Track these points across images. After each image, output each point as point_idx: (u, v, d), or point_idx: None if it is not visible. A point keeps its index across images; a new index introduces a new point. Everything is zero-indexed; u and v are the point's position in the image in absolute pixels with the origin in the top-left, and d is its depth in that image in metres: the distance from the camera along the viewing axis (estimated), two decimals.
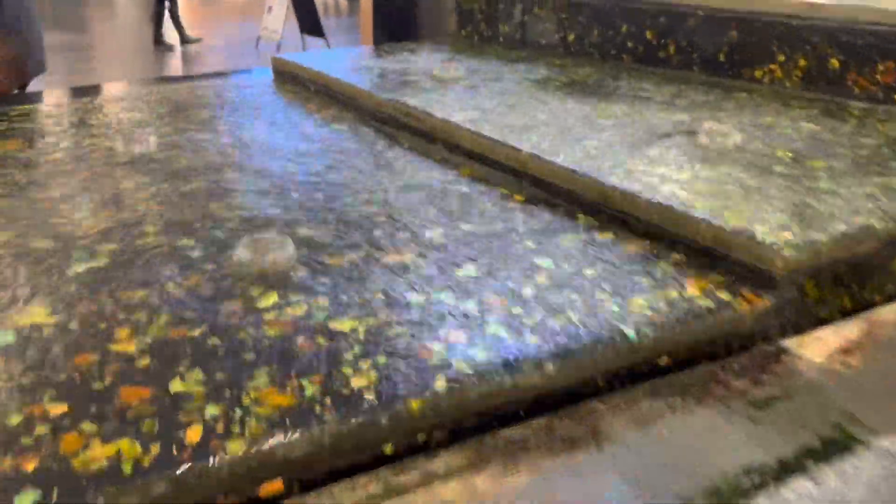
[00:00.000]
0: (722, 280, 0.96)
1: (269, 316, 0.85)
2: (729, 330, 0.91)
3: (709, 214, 1.03)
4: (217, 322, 0.84)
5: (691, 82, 1.85)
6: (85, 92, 2.06)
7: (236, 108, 1.80)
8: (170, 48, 9.31)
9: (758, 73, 1.83)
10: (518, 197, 1.26)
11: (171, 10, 9.73)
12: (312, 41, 8.99)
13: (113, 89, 2.23)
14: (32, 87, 2.36)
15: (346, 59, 2.13)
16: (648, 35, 2.01)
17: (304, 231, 1.08)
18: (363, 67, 2.00)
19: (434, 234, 1.09)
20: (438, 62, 2.06)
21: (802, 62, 1.76)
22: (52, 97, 2.01)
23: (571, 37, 2.19)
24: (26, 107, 1.80)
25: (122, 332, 0.81)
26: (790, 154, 1.29)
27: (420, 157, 1.47)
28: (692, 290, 0.94)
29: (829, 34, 1.69)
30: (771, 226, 0.99)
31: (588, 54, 2.15)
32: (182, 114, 1.73)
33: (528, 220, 1.16)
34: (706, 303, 0.91)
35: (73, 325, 0.83)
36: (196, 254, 1.00)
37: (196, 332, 0.81)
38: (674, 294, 0.92)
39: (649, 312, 0.88)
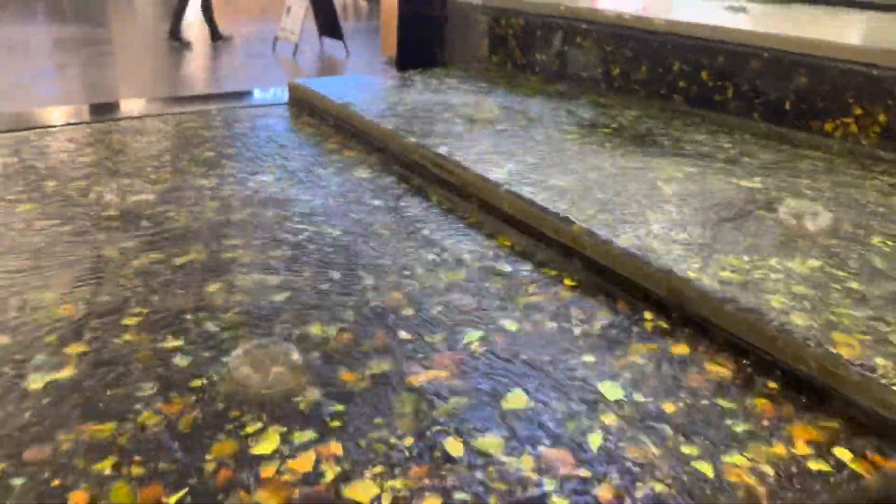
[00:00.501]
0: (836, 427, 0.77)
1: (266, 471, 0.67)
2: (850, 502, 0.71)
3: (812, 334, 0.84)
4: (200, 481, 0.65)
5: (752, 133, 1.65)
6: (74, 113, 1.88)
7: (247, 144, 1.62)
8: (186, 45, 9.15)
9: (828, 127, 1.63)
10: (568, 281, 1.07)
11: (204, 6, 9.53)
12: (331, 44, 8.83)
13: (108, 111, 2.05)
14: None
15: (369, 89, 1.95)
16: (704, 75, 1.81)
17: (315, 329, 0.89)
18: (388, 101, 1.81)
19: (472, 337, 0.90)
20: (471, 96, 1.87)
21: (882, 117, 1.56)
22: (26, 119, 1.83)
23: (616, 71, 2.00)
24: None
25: (78, 498, 0.63)
26: (890, 242, 1.09)
27: (452, 218, 1.28)
28: (800, 443, 0.74)
29: None
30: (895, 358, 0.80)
31: (633, 91, 1.95)
32: (185, 150, 1.55)
33: (583, 318, 0.97)
34: (820, 466, 0.72)
35: (17, 482, 0.64)
36: (183, 362, 0.82)
37: (171, 501, 0.63)
38: (779, 451, 0.73)
39: (751, 479, 0.69)
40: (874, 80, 1.55)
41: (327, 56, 9.56)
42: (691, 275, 0.97)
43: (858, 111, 1.58)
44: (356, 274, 1.04)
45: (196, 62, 8.16)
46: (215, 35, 9.92)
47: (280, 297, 0.97)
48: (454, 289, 1.02)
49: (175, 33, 9.34)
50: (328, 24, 9.50)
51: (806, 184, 1.32)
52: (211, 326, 0.89)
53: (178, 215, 1.20)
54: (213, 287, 0.98)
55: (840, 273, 0.99)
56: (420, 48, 2.44)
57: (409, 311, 0.95)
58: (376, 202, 1.32)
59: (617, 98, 1.94)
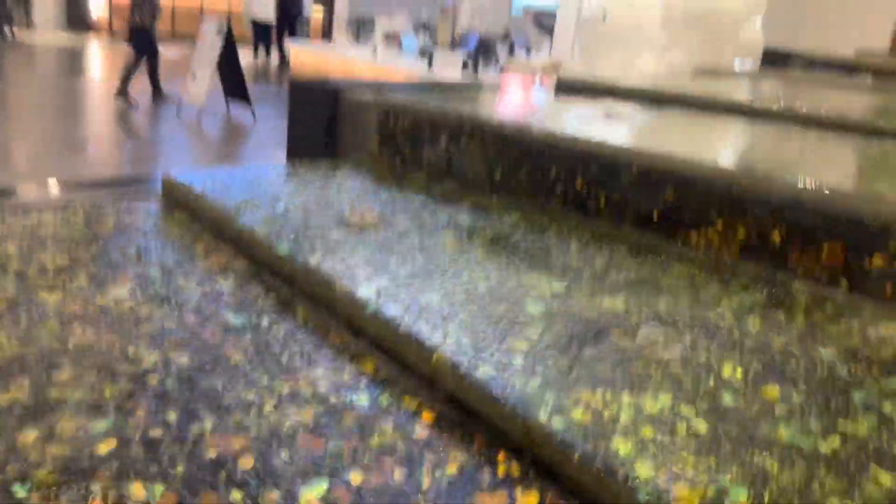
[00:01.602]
0: None
1: None
2: None
3: (654, 489, 0.83)
4: None
5: (622, 242, 1.70)
6: None
7: (106, 247, 1.53)
8: (133, 105, 8.84)
9: (693, 238, 1.70)
10: (427, 415, 1.04)
11: (150, 65, 9.31)
12: (239, 108, 8.74)
13: None
14: None
15: (247, 184, 1.90)
16: (578, 183, 1.87)
17: (136, 489, 0.82)
18: (264, 199, 1.77)
19: (313, 494, 0.85)
20: (354, 195, 1.85)
21: (742, 232, 1.63)
22: None
23: (498, 174, 2.04)
24: None
25: None
26: (739, 376, 1.12)
27: (316, 340, 1.23)
28: None
29: (773, 208, 1.58)
30: None
31: (514, 194, 1.99)
32: (35, 255, 1.45)
33: (435, 461, 0.93)
34: None
35: None
36: None
37: None
38: None
39: None
40: (735, 198, 1.63)
41: (234, 121, 9.43)
42: (542, 415, 0.95)
43: (720, 225, 1.66)
44: (196, 414, 0.97)
45: (92, 128, 7.86)
46: (158, 95, 9.65)
47: (105, 447, 0.89)
48: (304, 429, 0.97)
49: (123, 91, 9.05)
50: (235, 87, 9.43)
51: (666, 305, 1.35)
52: (19, 490, 0.80)
53: (8, 341, 1.10)
54: (27, 435, 0.89)
55: (688, 411, 1.00)
56: (310, 141, 2.42)
57: (248, 462, 0.89)
58: (236, 320, 1.26)
59: (499, 201, 1.97)
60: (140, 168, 6.09)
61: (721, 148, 2.18)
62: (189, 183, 1.83)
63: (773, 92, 3.12)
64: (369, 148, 2.36)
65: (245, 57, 9.98)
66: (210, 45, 8.77)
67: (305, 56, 9.15)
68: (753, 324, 1.31)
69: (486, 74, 7.79)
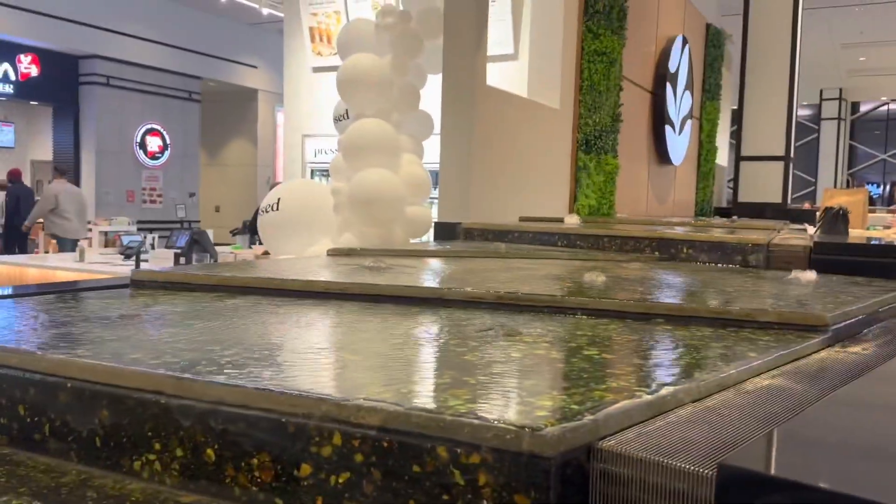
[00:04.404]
0: None
1: None
2: None
3: None
4: None
5: (59, 483, 1.33)
6: None
7: None
8: None
9: (136, 465, 1.37)
10: None
11: None
12: None
13: None
14: None
15: None
16: (21, 410, 1.50)
17: None
18: None
19: None
20: None
21: (179, 452, 1.34)
22: None
23: None
24: None
25: None
26: None
27: None
28: None
29: (199, 417, 1.31)
30: None
31: None
32: None
33: None
34: None
35: None
36: None
37: None
38: None
39: None
40: (166, 410, 1.34)
41: None
42: None
43: (158, 446, 1.35)
44: None
45: None
46: None
47: None
48: None
49: None
50: None
51: None
52: None
53: None
54: None
55: None
56: None
57: None
58: None
59: None
60: None
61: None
62: None
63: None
64: None
65: None
66: None
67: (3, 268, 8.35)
68: None
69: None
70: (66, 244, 12.87)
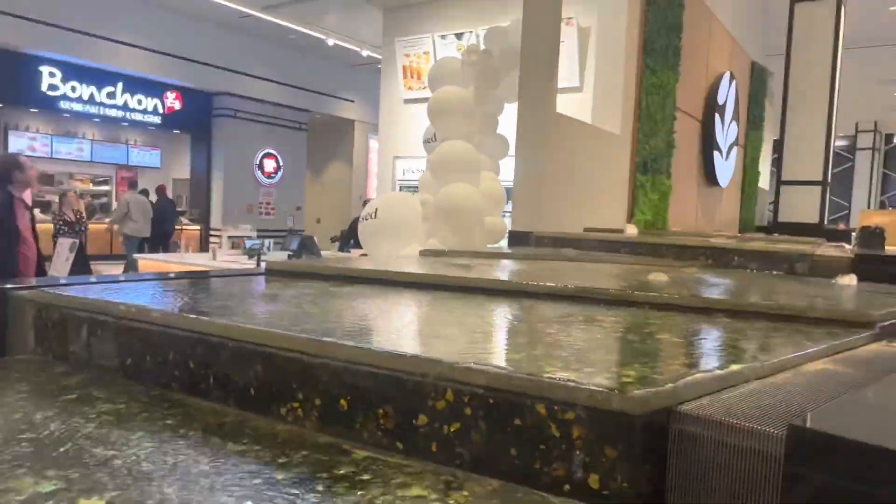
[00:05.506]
0: None
1: None
2: None
3: None
4: None
5: (222, 422, 1.42)
6: None
7: None
8: None
9: (283, 411, 1.45)
10: None
11: None
12: None
13: None
14: None
15: None
16: (192, 364, 1.61)
17: None
18: None
19: None
20: None
21: (318, 401, 1.41)
22: None
23: (129, 361, 1.74)
24: None
25: None
26: None
27: None
28: None
29: (334, 373, 1.38)
30: None
31: (143, 381, 1.69)
32: None
33: None
34: None
35: None
36: None
37: None
38: None
39: None
40: (307, 367, 1.42)
41: None
42: None
43: (301, 396, 1.42)
44: None
45: None
46: None
47: None
48: None
49: None
50: None
51: None
52: None
53: None
54: None
55: None
56: None
57: None
58: None
59: (126, 393, 1.64)
60: None
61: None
62: None
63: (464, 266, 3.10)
64: (27, 347, 2.00)
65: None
66: (65, 260, 8.25)
67: (151, 264, 8.85)
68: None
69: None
70: (134, 243, 13.81)
